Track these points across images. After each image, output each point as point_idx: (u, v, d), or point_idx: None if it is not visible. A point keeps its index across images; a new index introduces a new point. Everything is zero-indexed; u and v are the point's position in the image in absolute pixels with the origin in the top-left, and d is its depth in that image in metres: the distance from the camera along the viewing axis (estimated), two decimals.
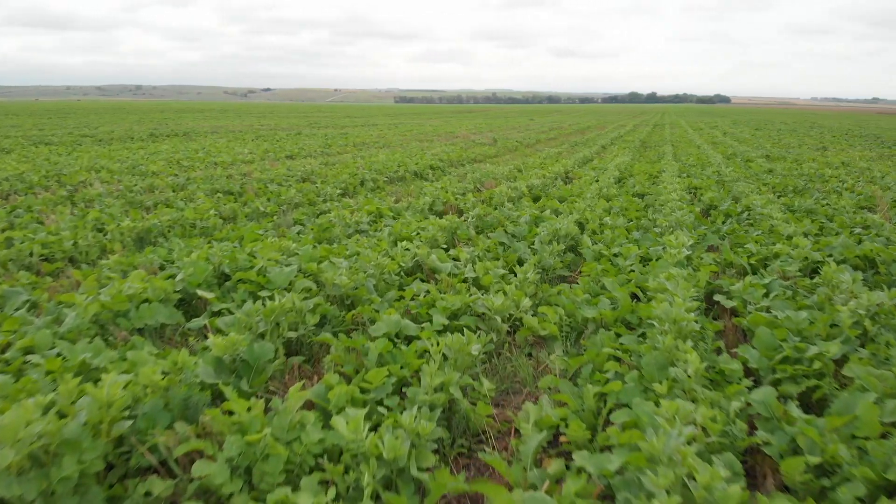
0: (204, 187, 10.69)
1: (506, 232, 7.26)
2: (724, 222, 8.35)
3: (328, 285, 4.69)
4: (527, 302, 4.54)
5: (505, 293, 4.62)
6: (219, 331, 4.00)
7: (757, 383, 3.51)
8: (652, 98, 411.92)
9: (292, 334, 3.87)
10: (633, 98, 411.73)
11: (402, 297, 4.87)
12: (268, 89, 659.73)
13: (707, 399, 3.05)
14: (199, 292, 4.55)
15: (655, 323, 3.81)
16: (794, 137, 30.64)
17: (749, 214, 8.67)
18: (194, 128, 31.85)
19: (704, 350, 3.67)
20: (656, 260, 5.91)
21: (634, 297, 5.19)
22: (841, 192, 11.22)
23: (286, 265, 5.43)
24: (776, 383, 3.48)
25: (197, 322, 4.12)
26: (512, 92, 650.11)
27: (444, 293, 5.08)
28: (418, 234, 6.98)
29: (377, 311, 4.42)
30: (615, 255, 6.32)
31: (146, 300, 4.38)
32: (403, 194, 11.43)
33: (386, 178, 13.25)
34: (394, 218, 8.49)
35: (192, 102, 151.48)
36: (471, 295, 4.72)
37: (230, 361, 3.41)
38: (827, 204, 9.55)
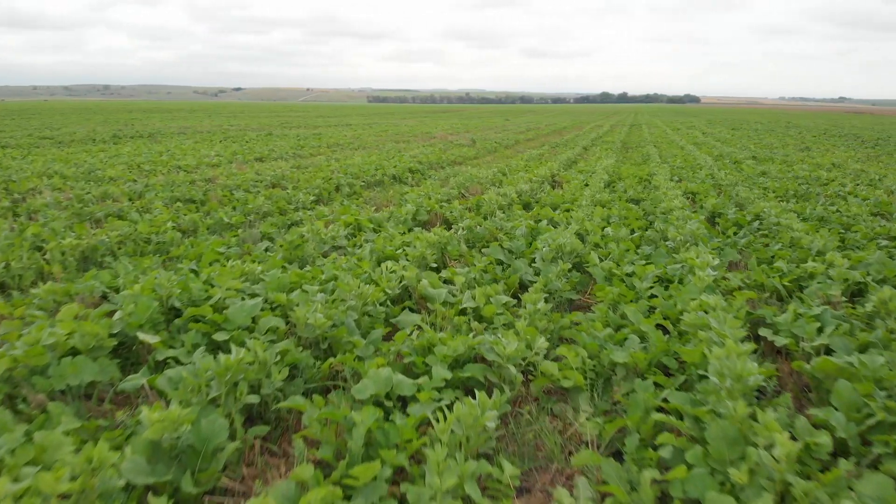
0: (163, 195, 9.73)
1: (501, 247, 6.47)
2: (736, 233, 7.63)
3: (300, 325, 3.85)
4: (542, 342, 3.74)
5: (516, 332, 3.83)
6: (160, 393, 3.15)
7: (858, 463, 2.76)
8: (623, 98, 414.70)
9: (254, 398, 3.02)
10: (605, 98, 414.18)
11: (390, 336, 4.06)
12: (239, 88, 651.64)
13: (808, 495, 2.30)
14: (141, 336, 3.69)
15: (712, 377, 3.04)
16: (774, 137, 30.34)
17: (761, 224, 7.98)
18: (161, 129, 30.51)
19: (778, 414, 2.90)
20: (679, 282, 5.17)
21: (662, 328, 4.45)
22: (845, 196, 10.62)
23: (249, 295, 4.58)
24: (876, 462, 2.74)
25: (133, 381, 3.26)
26: (485, 92, 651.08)
27: (441, 329, 4.28)
28: (403, 250, 6.16)
29: (361, 360, 3.60)
30: (628, 275, 5.57)
31: (72, 350, 3.51)
32: (383, 201, 10.58)
33: (363, 183, 12.38)
34: (374, 231, 7.64)
35: (162, 102, 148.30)
36: (474, 334, 3.92)
37: (170, 446, 2.57)
38: (837, 211, 8.91)
